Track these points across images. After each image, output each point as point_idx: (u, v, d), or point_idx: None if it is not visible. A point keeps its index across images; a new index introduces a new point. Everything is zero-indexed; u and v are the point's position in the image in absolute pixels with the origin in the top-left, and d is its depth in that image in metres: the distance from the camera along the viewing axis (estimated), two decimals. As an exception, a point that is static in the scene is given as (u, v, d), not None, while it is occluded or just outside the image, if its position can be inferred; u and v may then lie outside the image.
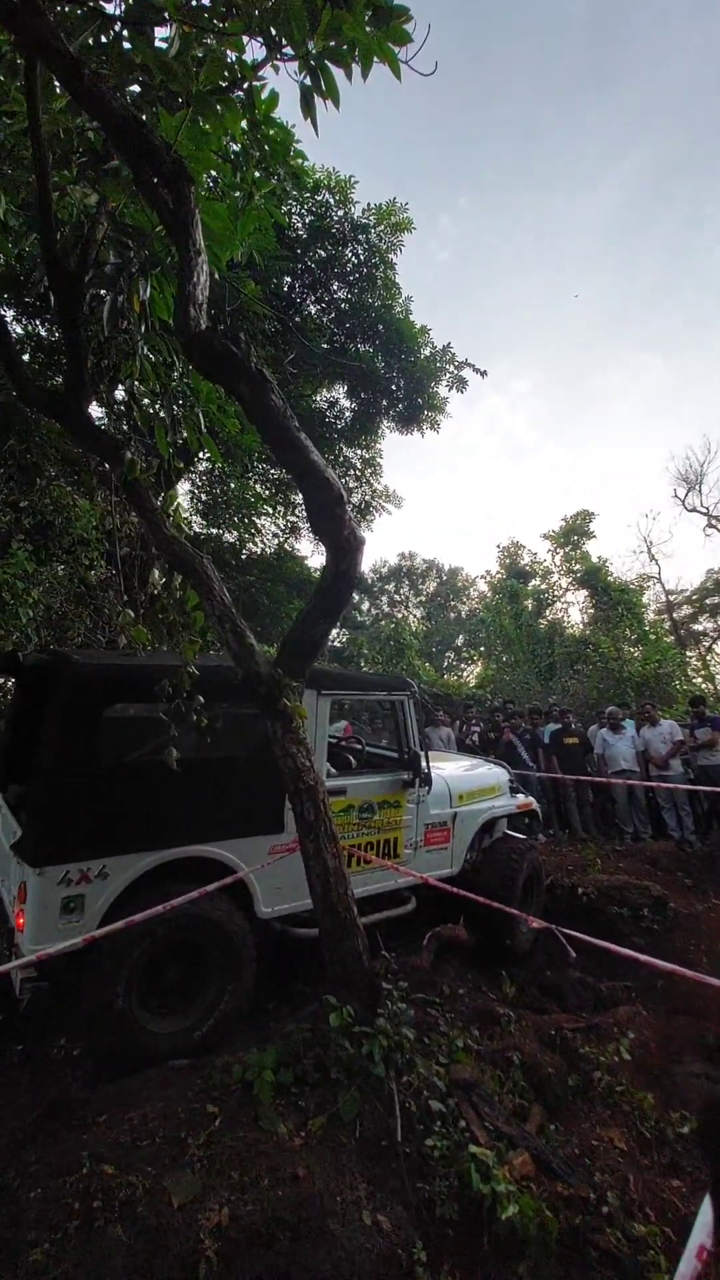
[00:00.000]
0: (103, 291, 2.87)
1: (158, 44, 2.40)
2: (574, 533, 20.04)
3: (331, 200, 9.94)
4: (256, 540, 14.21)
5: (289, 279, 10.22)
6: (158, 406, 3.50)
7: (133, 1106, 2.39)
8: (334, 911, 2.87)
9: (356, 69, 2.26)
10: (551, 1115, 2.73)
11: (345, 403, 12.02)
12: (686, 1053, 3.42)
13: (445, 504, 65.97)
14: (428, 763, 4.21)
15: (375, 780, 4.03)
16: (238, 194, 3.51)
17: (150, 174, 2.37)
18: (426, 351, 10.86)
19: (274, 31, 2.17)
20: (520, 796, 5.24)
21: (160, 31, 2.44)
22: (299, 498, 13.94)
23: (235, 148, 3.40)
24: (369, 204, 10.08)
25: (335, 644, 19.69)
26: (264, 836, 3.38)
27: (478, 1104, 2.57)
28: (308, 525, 14.78)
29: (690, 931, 5.10)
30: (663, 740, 7.96)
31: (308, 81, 2.21)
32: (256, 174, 3.47)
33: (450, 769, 4.93)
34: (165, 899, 2.72)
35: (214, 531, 13.07)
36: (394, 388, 11.15)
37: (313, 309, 10.65)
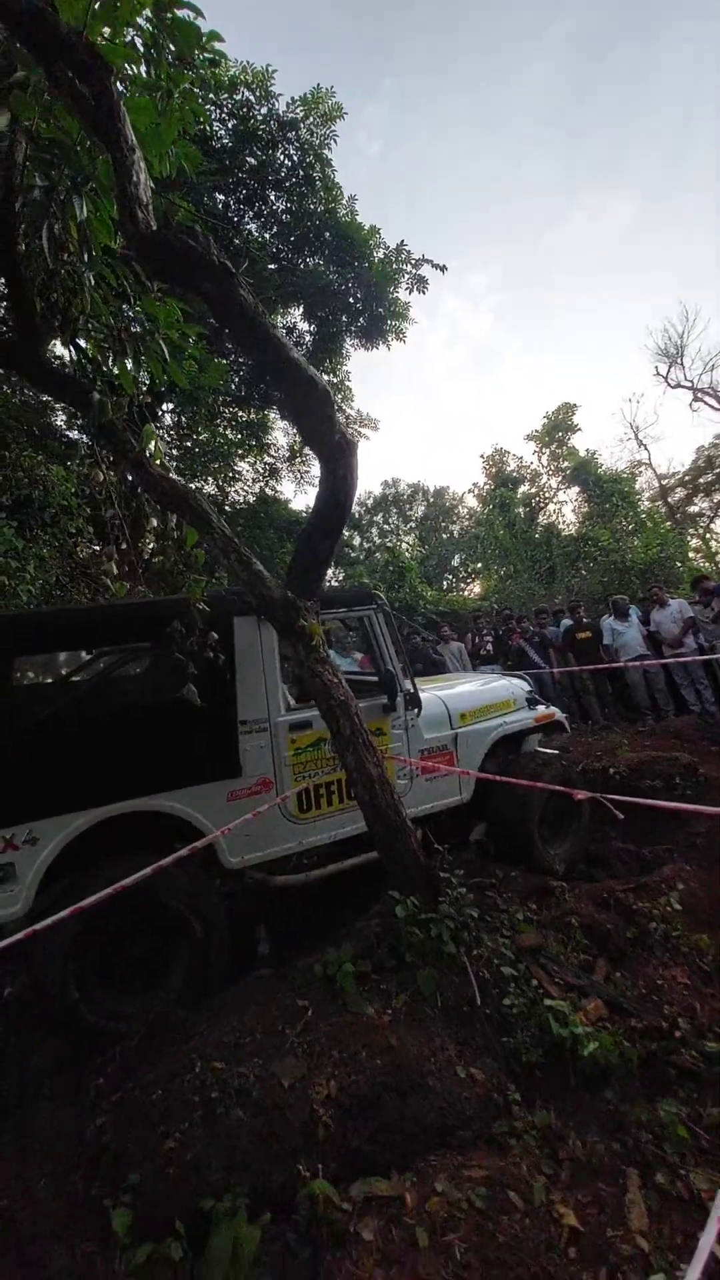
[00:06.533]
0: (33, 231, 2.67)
1: None
2: (558, 429, 19.54)
3: (252, 97, 9.15)
4: (238, 488, 13.91)
5: (221, 196, 9.53)
6: (110, 349, 3.32)
7: (229, 1015, 2.55)
8: (384, 817, 2.97)
9: None
10: (615, 965, 2.90)
11: (303, 325, 11.46)
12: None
13: (421, 422, 63.92)
14: (413, 683, 3.81)
15: None
16: (155, 93, 3.21)
17: (64, 69, 2.15)
18: (380, 254, 10.24)
19: None
20: (541, 708, 4.74)
21: None
22: (271, 437, 13.56)
23: (140, 44, 3.08)
24: (292, 97, 9.26)
25: (332, 582, 19.58)
26: (218, 782, 3.08)
27: (546, 964, 2.73)
28: (285, 465, 14.44)
29: (722, 792, 5.27)
30: (673, 620, 8.01)
31: None
32: (170, 68, 3.16)
33: (451, 688, 4.53)
34: (110, 861, 2.58)
35: (193, 486, 12.78)
36: (352, 300, 10.60)
37: (252, 226, 10.00)
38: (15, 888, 2.57)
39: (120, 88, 2.94)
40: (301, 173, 9.54)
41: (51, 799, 2.68)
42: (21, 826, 2.61)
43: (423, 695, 3.87)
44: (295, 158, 9.47)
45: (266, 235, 10.02)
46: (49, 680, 3.28)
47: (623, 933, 3.04)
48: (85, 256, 2.84)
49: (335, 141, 9.64)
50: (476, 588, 22.42)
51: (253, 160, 9.28)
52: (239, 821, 2.82)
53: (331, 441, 2.42)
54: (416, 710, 3.80)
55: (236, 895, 3.25)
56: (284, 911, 3.89)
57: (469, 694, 4.45)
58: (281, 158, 9.44)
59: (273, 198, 9.79)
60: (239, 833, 3.01)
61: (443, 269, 10.45)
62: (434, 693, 4.17)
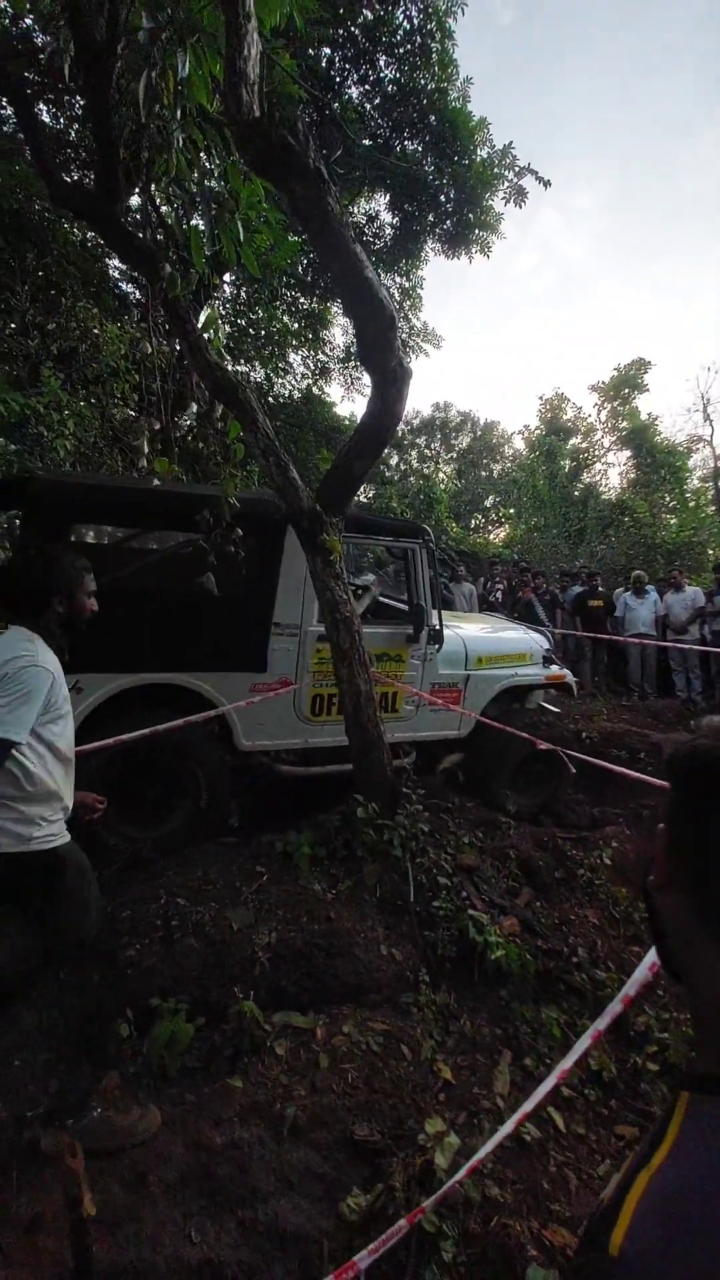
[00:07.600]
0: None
1: None
2: (625, 385, 18.55)
3: (383, -66, 8.11)
4: (286, 380, 13.42)
5: (328, 50, 8.65)
6: (185, 215, 3.23)
7: (196, 866, 2.91)
8: (363, 729, 3.23)
9: None
10: (538, 896, 3.25)
11: (386, 216, 10.67)
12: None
13: (487, 348, 60.19)
14: (440, 619, 3.98)
15: (372, 631, 3.66)
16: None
17: None
18: (483, 152, 9.38)
19: None
20: (554, 668, 4.84)
21: None
22: (328, 333, 12.95)
23: None
24: (428, -59, 8.20)
25: (363, 498, 19.28)
26: (245, 673, 3.41)
27: (477, 883, 3.07)
28: (339, 365, 13.89)
29: (682, 775, 5.56)
30: (684, 606, 8.08)
31: None
32: None
33: (474, 630, 4.68)
34: (139, 721, 2.89)
35: (241, 368, 12.35)
36: (443, 198, 9.83)
37: (354, 92, 9.12)
38: None
39: None
40: (418, 40, 8.59)
41: (99, 657, 2.97)
42: (70, 676, 2.91)
43: (445, 632, 4.06)
44: (415, 21, 8.50)
45: (368, 106, 9.17)
46: (105, 548, 3.55)
47: (553, 871, 3.38)
48: (178, 114, 2.73)
49: (463, 10, 8.62)
50: (502, 533, 22.07)
51: (369, 14, 8.35)
52: (241, 704, 3.25)
53: (388, 367, 2.45)
54: (438, 646, 4.02)
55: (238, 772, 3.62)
56: (255, 794, 4.26)
57: (489, 639, 4.64)
58: (401, 18, 8.47)
59: (382, 63, 8.87)
60: (252, 720, 3.39)
61: (547, 184, 9.61)
62: (456, 630, 4.33)
